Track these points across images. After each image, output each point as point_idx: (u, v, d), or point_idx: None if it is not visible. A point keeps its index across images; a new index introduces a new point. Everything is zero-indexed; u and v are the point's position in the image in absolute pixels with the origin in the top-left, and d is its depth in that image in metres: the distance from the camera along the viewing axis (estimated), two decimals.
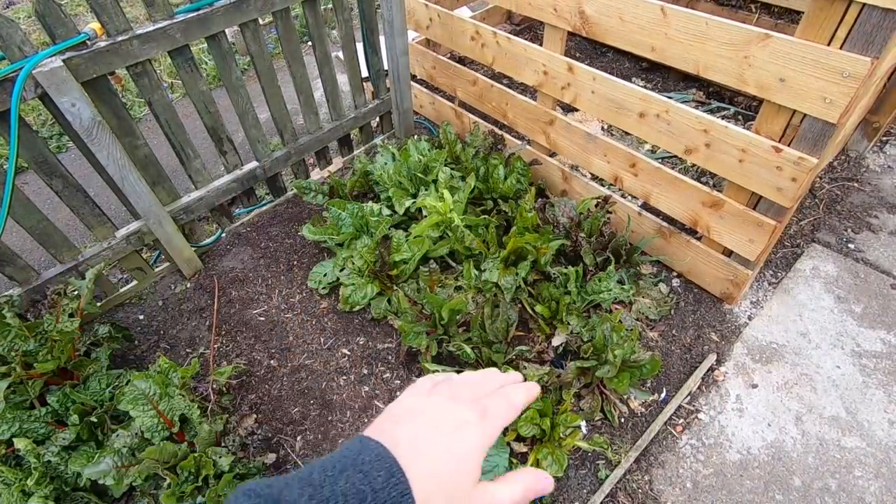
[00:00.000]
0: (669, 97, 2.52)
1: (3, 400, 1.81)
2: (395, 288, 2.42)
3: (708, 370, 2.22)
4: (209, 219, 3.08)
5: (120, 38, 1.98)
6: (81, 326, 2.17)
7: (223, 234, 2.91)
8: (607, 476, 1.92)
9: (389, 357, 2.34)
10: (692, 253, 2.43)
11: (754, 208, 2.07)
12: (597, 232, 2.47)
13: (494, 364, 2.09)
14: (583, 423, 2.06)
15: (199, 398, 1.99)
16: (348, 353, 2.36)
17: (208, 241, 2.82)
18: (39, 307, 2.25)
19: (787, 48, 1.63)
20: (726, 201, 2.13)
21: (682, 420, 2.08)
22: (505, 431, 1.95)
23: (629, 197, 2.78)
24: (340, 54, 3.03)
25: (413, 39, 3.42)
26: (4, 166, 1.96)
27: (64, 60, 1.85)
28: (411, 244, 2.47)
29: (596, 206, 2.55)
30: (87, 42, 1.92)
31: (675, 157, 3.04)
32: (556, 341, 2.23)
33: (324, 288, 2.57)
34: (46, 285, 2.28)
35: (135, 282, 2.64)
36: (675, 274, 2.59)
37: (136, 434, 1.78)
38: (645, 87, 3.73)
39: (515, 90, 2.94)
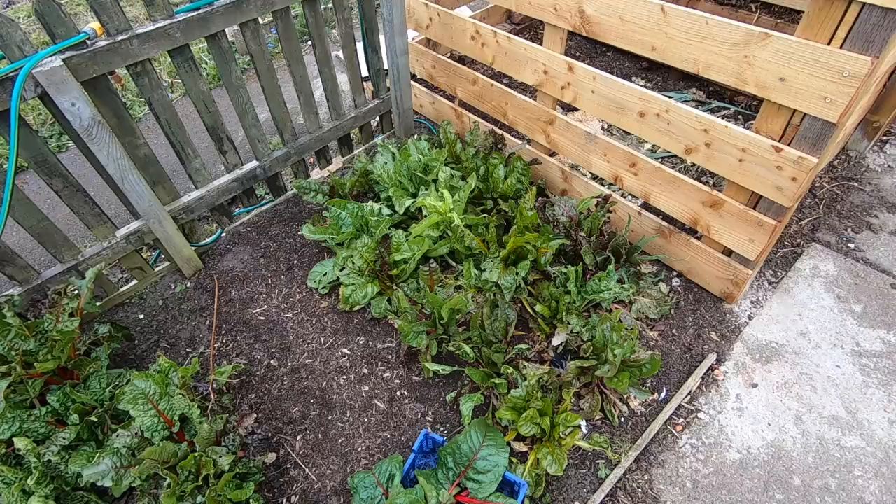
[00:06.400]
0: (669, 96, 2.52)
1: (3, 399, 1.81)
2: (395, 287, 2.42)
3: (708, 370, 2.22)
4: (209, 218, 3.08)
5: (120, 38, 1.98)
6: (81, 326, 2.17)
7: (223, 234, 2.91)
8: (607, 475, 1.92)
9: (389, 356, 2.34)
10: (692, 252, 2.43)
11: (754, 208, 2.07)
12: (597, 231, 2.47)
13: (494, 364, 2.09)
14: (583, 423, 2.06)
15: (199, 398, 1.99)
16: (348, 352, 2.37)
17: (208, 240, 2.82)
18: (40, 307, 2.25)
19: (788, 47, 1.64)
20: (726, 201, 2.13)
21: (681, 419, 2.08)
22: (505, 431, 1.95)
23: (629, 196, 2.78)
24: (340, 54, 3.02)
25: (413, 39, 3.42)
26: (4, 166, 1.96)
27: (64, 60, 1.85)
28: (411, 244, 2.47)
29: (596, 205, 2.55)
30: (87, 41, 1.92)
31: (675, 156, 3.04)
32: (555, 341, 2.23)
33: (324, 287, 2.57)
34: (47, 285, 2.28)
35: (135, 281, 2.64)
36: (674, 273, 2.59)
37: (136, 433, 1.78)
38: (645, 86, 3.73)
39: (515, 90, 2.94)
